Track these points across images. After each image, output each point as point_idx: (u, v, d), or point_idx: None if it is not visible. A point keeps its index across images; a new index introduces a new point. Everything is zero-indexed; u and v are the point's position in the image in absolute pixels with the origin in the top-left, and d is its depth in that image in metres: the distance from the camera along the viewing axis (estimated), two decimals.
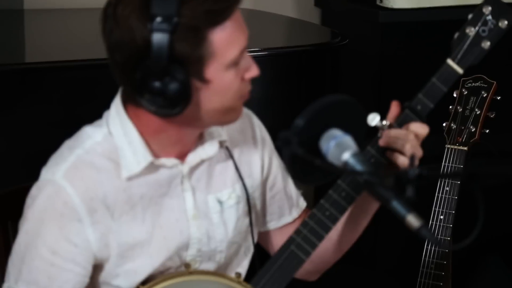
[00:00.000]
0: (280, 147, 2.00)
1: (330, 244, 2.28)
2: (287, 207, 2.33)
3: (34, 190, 2.07)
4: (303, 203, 2.36)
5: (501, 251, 3.74)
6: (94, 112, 2.82)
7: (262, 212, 2.31)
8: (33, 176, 2.13)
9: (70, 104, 2.90)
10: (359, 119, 2.06)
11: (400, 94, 3.73)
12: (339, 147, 1.99)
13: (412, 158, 1.96)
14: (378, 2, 3.76)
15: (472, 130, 2.81)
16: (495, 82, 2.79)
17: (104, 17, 1.99)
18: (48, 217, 2.03)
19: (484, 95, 2.79)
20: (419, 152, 2.10)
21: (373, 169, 2.00)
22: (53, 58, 3.10)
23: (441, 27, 3.75)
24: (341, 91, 3.24)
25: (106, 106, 2.50)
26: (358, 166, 1.98)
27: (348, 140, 2.00)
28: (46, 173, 2.07)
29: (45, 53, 3.23)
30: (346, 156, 1.98)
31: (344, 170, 1.98)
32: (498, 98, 2.81)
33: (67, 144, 2.11)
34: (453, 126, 2.81)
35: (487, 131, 2.83)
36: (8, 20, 3.58)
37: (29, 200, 2.07)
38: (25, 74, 2.91)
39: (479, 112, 2.81)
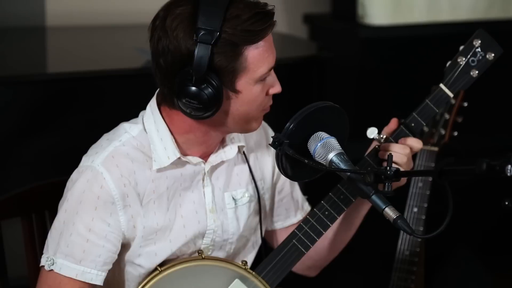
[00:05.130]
0: (273, 148, 2.01)
1: (327, 243, 2.30)
2: (293, 210, 2.34)
3: (74, 175, 2.09)
4: (307, 207, 2.37)
5: (469, 242, 3.75)
6: (102, 117, 2.83)
7: (271, 212, 2.32)
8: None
9: (83, 110, 2.91)
10: (342, 123, 2.07)
11: (379, 103, 3.76)
12: (324, 147, 2.01)
13: (390, 157, 1.96)
14: (358, 20, 3.76)
15: (442, 133, 2.82)
16: (462, 91, 2.79)
17: (152, 27, 2.03)
18: (86, 198, 2.05)
19: (453, 102, 2.79)
20: (411, 164, 2.13)
21: (357, 167, 2.02)
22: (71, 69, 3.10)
23: (415, 42, 3.78)
24: (326, 99, 3.24)
25: (114, 111, 2.49)
26: (341, 165, 1.99)
27: (333, 141, 2.02)
28: (86, 160, 2.09)
29: (66, 65, 3.23)
30: (331, 155, 2.00)
31: (329, 168, 1.99)
32: (465, 104, 2.81)
33: (106, 137, 2.13)
34: (426, 129, 2.81)
35: (456, 133, 2.84)
36: (31, 36, 3.58)
37: (69, 183, 2.09)
38: (48, 84, 2.92)
39: (448, 117, 2.81)
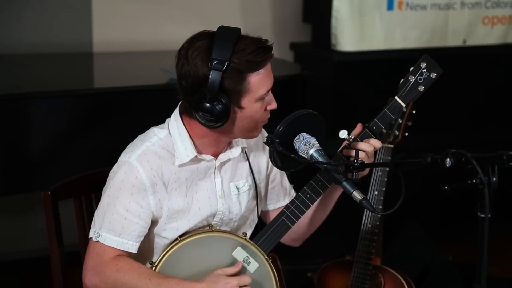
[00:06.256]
0: (267, 145, 2.01)
1: (308, 220, 2.29)
2: (282, 195, 2.32)
3: (115, 167, 2.08)
4: (293, 193, 2.35)
5: (417, 217, 3.73)
6: (136, 121, 2.81)
7: (265, 197, 2.31)
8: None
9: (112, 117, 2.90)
10: (320, 126, 2.06)
11: (348, 111, 3.75)
12: (306, 145, 2.00)
13: (357, 153, 1.94)
14: (332, 47, 3.76)
15: (396, 134, 2.81)
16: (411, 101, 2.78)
17: (178, 55, 2.02)
18: (124, 186, 2.03)
19: (404, 110, 2.78)
20: (372, 159, 2.11)
21: (331, 160, 2.00)
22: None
23: (375, 64, 3.77)
24: (307, 107, 3.22)
25: (145, 117, 2.45)
26: (320, 158, 1.98)
27: (313, 140, 2.01)
28: (124, 156, 2.07)
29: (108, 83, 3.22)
30: (312, 151, 1.99)
31: (310, 161, 1.97)
32: (414, 112, 2.80)
33: (139, 138, 2.12)
34: (384, 131, 2.80)
35: (407, 134, 2.82)
36: (80, 60, 3.57)
37: (111, 174, 2.08)
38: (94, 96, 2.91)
39: (401, 121, 2.80)
